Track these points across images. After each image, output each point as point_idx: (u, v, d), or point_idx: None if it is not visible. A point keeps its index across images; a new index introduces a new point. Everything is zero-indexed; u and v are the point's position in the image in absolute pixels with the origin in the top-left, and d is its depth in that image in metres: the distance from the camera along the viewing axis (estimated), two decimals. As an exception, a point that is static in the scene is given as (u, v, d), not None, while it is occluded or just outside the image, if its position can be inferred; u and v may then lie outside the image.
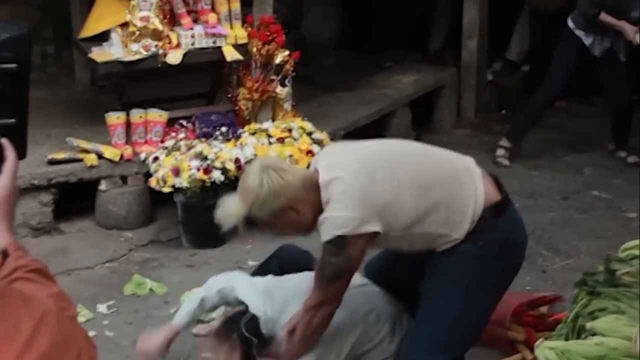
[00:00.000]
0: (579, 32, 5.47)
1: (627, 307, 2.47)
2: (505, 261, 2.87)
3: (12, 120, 1.49)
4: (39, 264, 1.41)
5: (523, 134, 5.85)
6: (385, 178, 2.75)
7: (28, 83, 1.52)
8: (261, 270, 3.55)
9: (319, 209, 2.76)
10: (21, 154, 1.49)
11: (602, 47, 5.49)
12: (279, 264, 3.51)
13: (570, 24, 5.52)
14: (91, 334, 3.65)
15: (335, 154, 2.98)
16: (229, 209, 2.81)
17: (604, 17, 5.33)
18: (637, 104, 6.06)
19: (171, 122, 4.87)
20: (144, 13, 4.66)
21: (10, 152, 1.46)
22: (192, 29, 4.82)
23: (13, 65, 1.47)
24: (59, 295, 1.38)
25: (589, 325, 2.41)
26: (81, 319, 3.84)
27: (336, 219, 2.72)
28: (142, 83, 5.02)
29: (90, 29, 4.96)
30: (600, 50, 5.49)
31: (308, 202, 2.78)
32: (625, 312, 2.45)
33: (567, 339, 2.56)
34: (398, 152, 2.93)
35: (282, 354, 3.07)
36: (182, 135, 4.78)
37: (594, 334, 2.37)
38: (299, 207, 2.78)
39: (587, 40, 5.47)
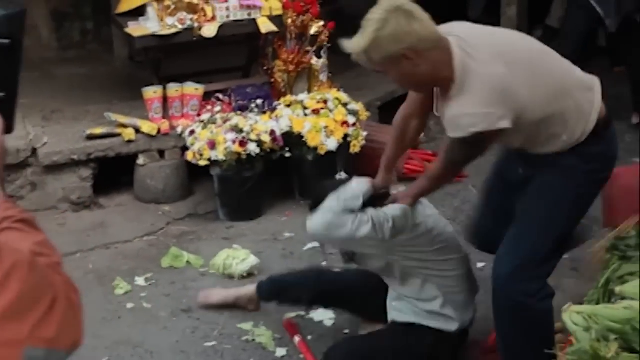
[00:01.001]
0: (593, 2, 5.29)
1: (658, 271, 2.44)
2: (605, 172, 2.92)
3: (2, 94, 1.53)
4: (27, 215, 1.45)
5: None
6: (523, 73, 2.68)
7: (20, 59, 1.57)
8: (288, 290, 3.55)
9: (438, 72, 2.66)
10: (8, 128, 1.53)
11: (618, 19, 5.29)
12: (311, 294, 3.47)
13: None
14: (129, 306, 3.77)
15: (467, 30, 2.78)
16: (352, 43, 2.69)
17: None
18: None
19: (207, 96, 4.89)
20: None
21: None
22: (227, 1, 4.85)
23: (6, 41, 1.51)
24: (44, 243, 1.41)
25: (618, 289, 2.37)
26: (119, 291, 3.91)
27: (474, 117, 2.64)
28: (178, 57, 5.02)
29: (127, 3, 5.00)
30: (613, 24, 5.30)
31: (429, 59, 2.64)
32: (656, 276, 2.42)
33: (598, 304, 2.52)
34: (532, 47, 2.83)
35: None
36: (218, 108, 4.81)
37: (623, 298, 2.34)
38: (417, 59, 2.63)
39: (601, 12, 5.29)
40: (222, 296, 3.74)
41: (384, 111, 5.49)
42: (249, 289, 3.68)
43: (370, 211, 3.07)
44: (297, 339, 3.49)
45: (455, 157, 2.87)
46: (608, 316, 2.19)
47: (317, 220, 3.09)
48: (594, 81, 2.86)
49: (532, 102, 2.68)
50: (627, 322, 2.16)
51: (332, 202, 3.06)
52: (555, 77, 2.78)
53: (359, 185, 3.13)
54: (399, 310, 3.27)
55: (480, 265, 3.97)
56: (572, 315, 2.27)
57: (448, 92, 2.70)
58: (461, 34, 2.72)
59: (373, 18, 2.64)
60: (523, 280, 2.84)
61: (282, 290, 3.55)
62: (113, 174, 4.84)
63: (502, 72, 2.64)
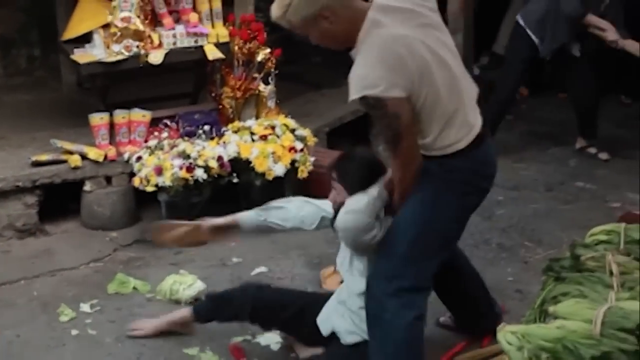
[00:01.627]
0: (529, 31, 5.45)
1: (590, 290, 2.50)
2: (472, 185, 2.98)
3: None
4: None
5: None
6: (429, 49, 2.79)
7: None
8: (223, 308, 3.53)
9: (353, 32, 2.81)
10: None
11: (551, 48, 5.43)
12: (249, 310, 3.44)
13: (520, 20, 5.49)
14: (74, 332, 3.74)
15: (389, 6, 2.89)
16: (273, 8, 2.89)
17: (590, 18, 5.31)
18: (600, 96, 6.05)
19: (155, 122, 4.90)
20: (125, 14, 4.68)
21: None
22: (173, 28, 4.86)
23: None
24: None
25: (551, 309, 2.43)
26: (64, 318, 3.88)
27: (366, 78, 2.74)
28: (125, 84, 5.04)
29: (73, 30, 4.99)
30: (547, 52, 5.45)
31: (345, 17, 2.82)
32: (587, 295, 2.48)
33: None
34: (441, 42, 2.91)
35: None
36: (165, 134, 4.82)
37: (556, 318, 2.40)
38: (333, 17, 2.81)
39: (536, 40, 5.45)
40: (153, 326, 3.71)
41: (333, 137, 5.55)
42: (182, 312, 3.68)
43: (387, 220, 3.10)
44: (241, 363, 3.49)
45: (386, 135, 2.85)
46: (540, 335, 2.25)
47: (351, 220, 3.03)
48: (472, 97, 2.99)
49: (427, 85, 2.79)
50: (558, 341, 2.22)
51: (366, 204, 3.03)
52: (456, 76, 2.90)
53: (383, 191, 3.11)
54: (340, 314, 3.28)
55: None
56: (506, 335, 2.32)
57: (355, 47, 2.83)
58: (384, 3, 2.86)
59: None
60: (382, 293, 2.96)
61: (220, 307, 3.53)
62: (59, 200, 4.81)
63: (406, 33, 2.78)
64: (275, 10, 2.88)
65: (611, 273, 2.67)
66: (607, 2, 5.35)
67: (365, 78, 2.74)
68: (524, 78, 5.65)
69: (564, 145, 5.98)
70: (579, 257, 2.71)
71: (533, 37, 5.41)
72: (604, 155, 5.69)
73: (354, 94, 2.76)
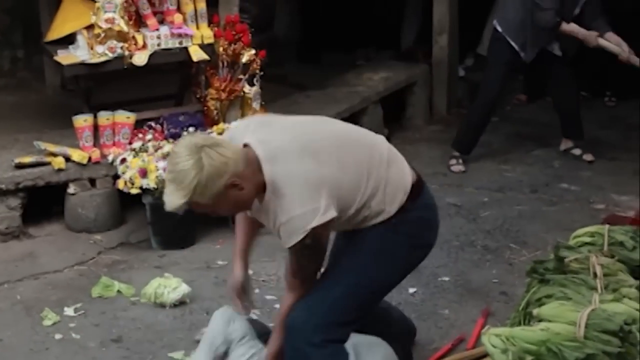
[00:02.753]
0: (509, 38, 5.40)
1: (573, 292, 2.51)
2: (417, 238, 2.90)
3: None
4: None
5: (471, 144, 5.70)
6: (329, 161, 2.68)
7: None
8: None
9: (261, 185, 2.64)
10: None
11: (533, 53, 5.42)
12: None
13: (498, 27, 5.45)
14: (57, 337, 3.72)
15: (264, 130, 2.77)
16: (169, 203, 2.61)
17: (566, 26, 5.29)
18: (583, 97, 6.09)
19: (139, 124, 4.87)
20: (109, 15, 4.65)
21: None
22: (157, 29, 4.82)
23: None
24: None
25: (535, 311, 2.44)
26: (47, 322, 3.85)
27: (303, 217, 2.60)
28: (109, 85, 5.02)
29: (56, 32, 4.97)
30: (530, 57, 5.43)
31: (249, 177, 2.62)
32: (571, 297, 2.49)
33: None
34: (335, 133, 2.84)
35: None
36: (150, 136, 4.78)
37: (540, 320, 2.40)
38: (242, 183, 2.60)
39: (517, 46, 5.41)
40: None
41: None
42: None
43: None
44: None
45: (305, 269, 2.76)
46: (524, 338, 2.26)
47: None
48: (394, 154, 2.90)
49: (347, 188, 2.71)
50: (542, 344, 2.23)
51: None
52: (362, 162, 2.78)
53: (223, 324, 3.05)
54: None
55: (411, 290, 4.03)
56: (490, 338, 2.33)
57: (262, 197, 2.67)
58: (260, 135, 2.70)
59: (183, 167, 2.55)
60: (305, 343, 2.81)
61: None
62: (43, 203, 4.78)
63: (312, 167, 2.65)
64: (175, 199, 2.58)
65: (595, 275, 2.70)
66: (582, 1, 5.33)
67: (300, 215, 2.60)
68: (506, 81, 5.65)
69: (549, 147, 6.00)
70: (562, 259, 2.73)
71: (513, 43, 5.40)
72: (588, 157, 5.71)
73: (298, 236, 2.61)
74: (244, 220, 3.06)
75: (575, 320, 2.31)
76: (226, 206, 2.67)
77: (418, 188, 2.88)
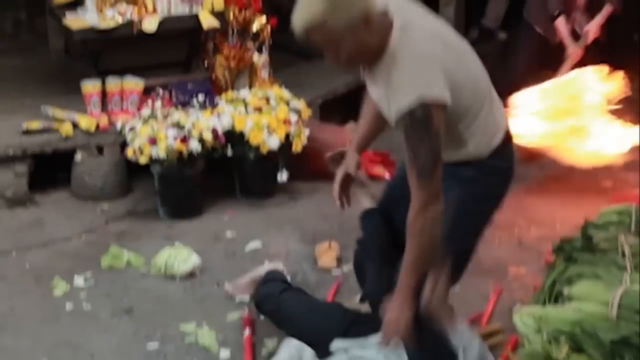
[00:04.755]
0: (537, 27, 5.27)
1: (604, 272, 2.48)
2: (503, 188, 2.79)
3: None
4: None
5: None
6: (456, 58, 2.52)
7: None
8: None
9: (383, 43, 2.44)
10: None
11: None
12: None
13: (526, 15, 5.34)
14: (68, 306, 3.68)
15: (406, 5, 2.59)
16: (298, 20, 2.39)
17: (560, 24, 5.15)
18: None
19: (148, 91, 4.79)
20: None
21: None
22: (168, -6, 4.74)
23: None
24: None
25: (566, 291, 2.41)
26: (58, 292, 3.81)
27: (415, 86, 2.40)
28: (117, 50, 4.93)
29: (65, -6, 4.87)
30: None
31: (378, 29, 2.41)
32: (602, 277, 2.46)
33: (544, 305, 2.56)
34: (464, 43, 2.69)
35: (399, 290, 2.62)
36: (158, 103, 4.69)
37: (571, 300, 2.37)
38: (372, 24, 2.39)
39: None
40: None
41: (325, 110, 5.47)
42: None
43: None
44: (247, 331, 3.44)
45: (423, 161, 2.45)
46: (559, 318, 2.23)
47: None
48: (494, 92, 2.78)
49: (460, 88, 2.52)
50: (576, 325, 2.20)
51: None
52: (480, 78, 2.67)
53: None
54: None
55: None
56: (522, 317, 2.30)
57: (379, 63, 2.49)
58: (396, 3, 2.55)
59: None
60: None
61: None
62: (49, 170, 4.72)
63: (440, 52, 2.48)
64: (308, 13, 2.37)
65: (623, 254, 2.66)
66: None
67: (417, 80, 2.40)
68: None
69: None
70: (591, 237, 2.68)
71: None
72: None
73: (409, 101, 2.39)
74: (370, 110, 2.89)
75: (608, 300, 2.28)
76: (348, 46, 2.42)
77: (508, 140, 2.75)
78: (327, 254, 4.06)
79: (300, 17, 2.39)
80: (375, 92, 2.62)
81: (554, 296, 2.59)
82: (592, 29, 5.16)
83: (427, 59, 2.44)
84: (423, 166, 2.44)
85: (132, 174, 4.76)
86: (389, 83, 2.46)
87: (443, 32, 2.60)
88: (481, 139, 2.65)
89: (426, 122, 2.41)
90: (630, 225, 2.82)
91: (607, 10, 5.16)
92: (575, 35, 5.20)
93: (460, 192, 2.66)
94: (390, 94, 2.47)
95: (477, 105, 2.62)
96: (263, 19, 4.95)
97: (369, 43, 2.44)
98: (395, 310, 2.57)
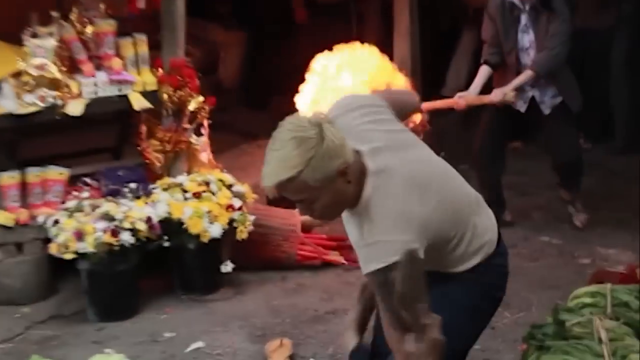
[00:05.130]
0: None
1: (579, 361, 2.22)
2: (501, 289, 2.74)
3: None
4: None
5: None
6: (433, 201, 2.44)
7: None
8: None
9: (358, 190, 2.39)
10: None
11: (524, 98, 5.01)
12: None
13: None
14: None
15: (376, 139, 2.51)
16: (271, 178, 2.30)
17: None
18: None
19: (73, 181, 4.59)
20: (40, 60, 4.42)
21: None
22: (94, 76, 4.56)
23: None
24: None
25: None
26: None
27: (386, 245, 2.35)
28: (39, 138, 4.68)
29: (-20, 79, 4.59)
30: (523, 104, 5.02)
31: (355, 175, 2.37)
32: (576, 366, 2.18)
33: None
34: (439, 169, 2.61)
35: None
36: (85, 194, 4.47)
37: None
38: (349, 174, 2.36)
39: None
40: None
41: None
42: None
43: None
44: None
45: (386, 312, 2.42)
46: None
47: None
48: (480, 198, 2.71)
49: (440, 230, 2.49)
50: None
51: None
52: (461, 202, 2.60)
53: None
54: None
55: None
56: None
57: (353, 210, 2.44)
58: (369, 143, 2.45)
59: (304, 134, 2.30)
60: None
61: None
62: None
63: (414, 203, 2.40)
64: (282, 171, 2.30)
65: (600, 340, 2.59)
66: None
67: (385, 246, 2.34)
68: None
69: (525, 196, 5.67)
70: (563, 322, 2.59)
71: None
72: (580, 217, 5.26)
73: (374, 266, 2.33)
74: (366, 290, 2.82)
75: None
76: (326, 199, 2.37)
77: (499, 234, 2.70)
78: (278, 353, 3.87)
79: (274, 173, 2.33)
80: (350, 234, 2.56)
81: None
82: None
83: (400, 217, 2.38)
84: (393, 325, 2.39)
85: (57, 272, 4.48)
86: (361, 235, 2.42)
87: (418, 170, 2.50)
88: (473, 250, 2.59)
89: (390, 285, 2.35)
90: (605, 308, 2.76)
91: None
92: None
93: (459, 292, 2.61)
94: (359, 248, 2.44)
95: (460, 230, 2.56)
96: (200, 98, 4.74)
97: (346, 193, 2.41)
98: None
